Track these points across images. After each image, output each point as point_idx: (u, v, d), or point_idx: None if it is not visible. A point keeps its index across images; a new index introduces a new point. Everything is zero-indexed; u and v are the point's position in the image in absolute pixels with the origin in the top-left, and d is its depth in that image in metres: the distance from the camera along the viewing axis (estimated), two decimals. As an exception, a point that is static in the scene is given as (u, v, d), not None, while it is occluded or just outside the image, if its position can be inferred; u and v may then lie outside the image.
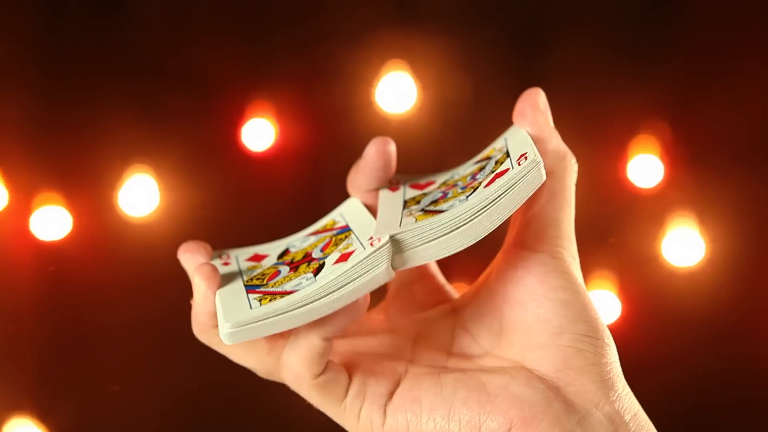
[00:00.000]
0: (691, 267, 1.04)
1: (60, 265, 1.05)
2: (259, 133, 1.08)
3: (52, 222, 1.04)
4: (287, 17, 1.11)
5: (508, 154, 0.44)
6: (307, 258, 0.46)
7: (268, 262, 0.48)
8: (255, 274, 0.46)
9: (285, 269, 0.46)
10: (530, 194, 0.42)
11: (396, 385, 0.44)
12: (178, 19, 1.10)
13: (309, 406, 0.46)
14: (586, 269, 1.04)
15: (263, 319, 0.42)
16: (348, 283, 0.42)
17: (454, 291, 0.52)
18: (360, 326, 0.50)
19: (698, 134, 1.06)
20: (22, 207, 1.04)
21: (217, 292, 0.45)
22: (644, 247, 1.05)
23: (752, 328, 1.05)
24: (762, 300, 1.05)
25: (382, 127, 1.07)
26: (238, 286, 0.45)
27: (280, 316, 0.42)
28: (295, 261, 0.46)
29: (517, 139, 0.45)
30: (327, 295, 0.42)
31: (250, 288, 0.44)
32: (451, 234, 0.42)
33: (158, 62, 1.09)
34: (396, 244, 0.42)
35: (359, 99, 1.08)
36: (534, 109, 0.46)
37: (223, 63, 1.08)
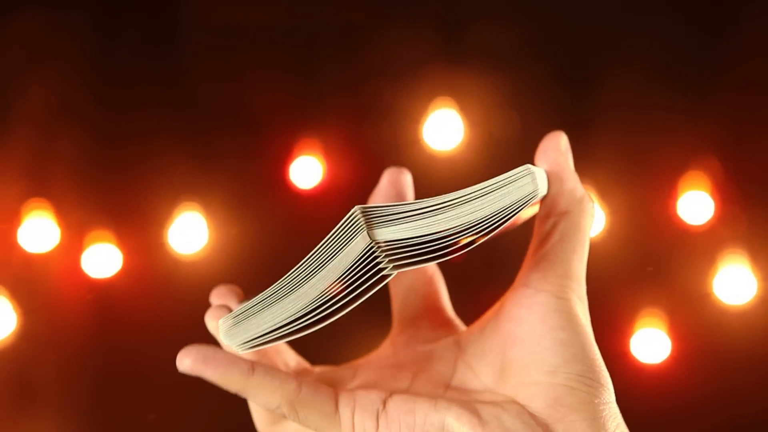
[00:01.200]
0: (742, 305, 1.02)
1: (110, 303, 1.06)
2: (306, 171, 1.08)
3: (102, 259, 1.05)
4: (335, 53, 1.12)
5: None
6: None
7: None
8: None
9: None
10: (520, 204, 0.41)
11: (389, 396, 0.44)
12: (228, 54, 1.11)
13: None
14: (636, 306, 1.03)
15: (254, 308, 0.42)
16: (327, 260, 0.42)
17: (462, 325, 0.52)
18: (369, 363, 0.50)
19: (750, 170, 1.05)
20: (73, 244, 1.06)
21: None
22: (695, 285, 1.03)
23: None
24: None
25: (429, 164, 1.08)
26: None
27: (268, 300, 0.42)
28: None
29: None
30: (308, 272, 0.42)
31: None
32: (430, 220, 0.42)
33: (208, 98, 1.10)
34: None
35: (407, 136, 1.08)
36: (555, 150, 0.46)
37: (271, 99, 1.09)
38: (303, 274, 0.42)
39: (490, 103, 1.07)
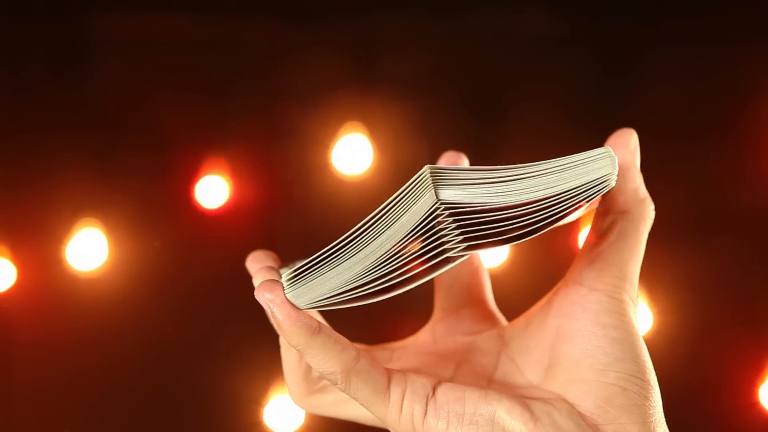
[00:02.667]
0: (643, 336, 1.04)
1: (2, 318, 1.03)
2: (212, 191, 1.07)
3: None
4: (245, 76, 1.11)
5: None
6: None
7: None
8: None
9: None
10: (598, 184, 0.39)
11: (438, 383, 0.43)
12: (134, 71, 1.09)
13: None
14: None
15: (320, 261, 0.40)
16: (395, 219, 0.40)
17: (504, 319, 0.52)
18: (405, 348, 0.50)
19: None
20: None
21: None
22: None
23: (697, 400, 1.05)
24: (707, 371, 1.05)
25: (337, 188, 1.07)
26: None
27: (333, 258, 0.40)
28: None
29: None
30: (375, 230, 0.40)
31: None
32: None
33: (114, 118, 1.08)
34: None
35: (315, 160, 1.08)
36: (624, 147, 0.46)
37: (179, 120, 1.08)
38: (370, 233, 0.40)
39: (399, 129, 1.07)
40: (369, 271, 0.40)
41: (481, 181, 0.40)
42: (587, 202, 0.40)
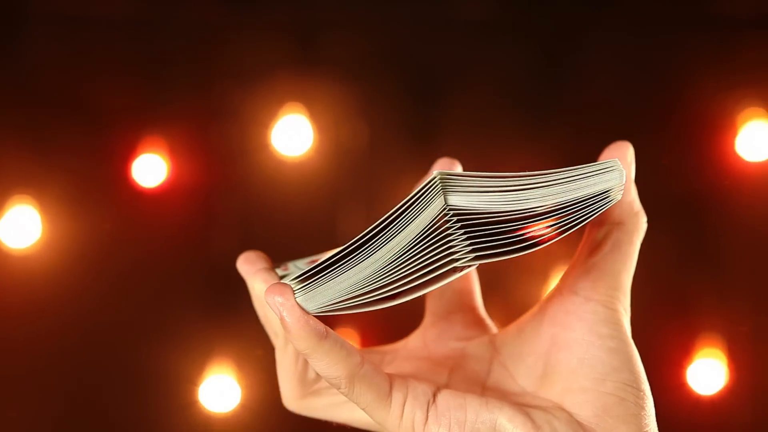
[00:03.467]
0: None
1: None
2: (150, 169, 1.06)
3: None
4: (185, 55, 1.10)
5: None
6: None
7: None
8: None
9: None
10: (605, 197, 0.40)
11: (438, 390, 0.43)
12: (73, 54, 1.08)
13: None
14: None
15: (329, 267, 0.40)
16: (404, 224, 0.40)
17: (493, 325, 0.52)
18: (396, 352, 0.50)
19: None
20: None
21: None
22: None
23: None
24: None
25: (277, 169, 1.07)
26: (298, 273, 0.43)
27: (343, 263, 0.40)
28: None
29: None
30: (385, 236, 0.40)
31: None
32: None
33: (50, 95, 1.07)
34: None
35: (255, 140, 1.07)
36: (621, 159, 0.45)
37: (117, 98, 1.06)
38: (380, 238, 0.40)
39: (340, 110, 1.07)
40: (379, 278, 0.40)
41: (490, 189, 0.40)
42: (596, 214, 0.40)
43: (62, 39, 1.08)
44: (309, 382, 0.48)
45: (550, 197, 0.40)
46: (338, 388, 0.42)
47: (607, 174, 0.40)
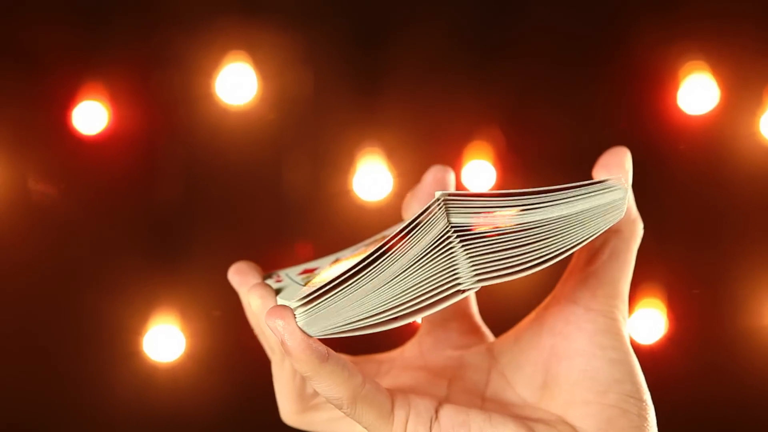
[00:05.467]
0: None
1: None
2: (90, 117, 1.04)
3: None
4: (128, 1, 1.08)
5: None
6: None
7: (321, 270, 0.46)
8: (311, 278, 0.44)
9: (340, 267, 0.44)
10: (607, 225, 0.40)
11: (440, 405, 0.42)
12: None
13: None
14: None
15: (332, 291, 0.39)
16: (409, 249, 0.39)
17: (490, 333, 0.51)
18: (393, 362, 0.49)
19: (528, 139, 1.09)
20: None
21: (278, 297, 0.42)
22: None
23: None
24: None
25: (220, 118, 1.06)
26: (296, 288, 0.43)
27: (347, 286, 0.39)
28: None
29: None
30: (389, 260, 0.39)
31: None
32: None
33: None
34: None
35: (198, 89, 1.06)
36: (619, 166, 0.45)
37: (57, 44, 1.04)
38: (384, 262, 0.39)
39: (285, 58, 1.06)
40: (383, 302, 0.40)
41: (492, 209, 0.40)
42: (597, 235, 0.40)
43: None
44: (308, 397, 0.47)
45: (554, 220, 0.40)
46: (340, 408, 0.41)
47: (611, 193, 0.40)
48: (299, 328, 0.40)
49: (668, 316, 1.05)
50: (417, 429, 0.41)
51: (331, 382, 0.40)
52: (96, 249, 1.06)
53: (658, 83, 1.07)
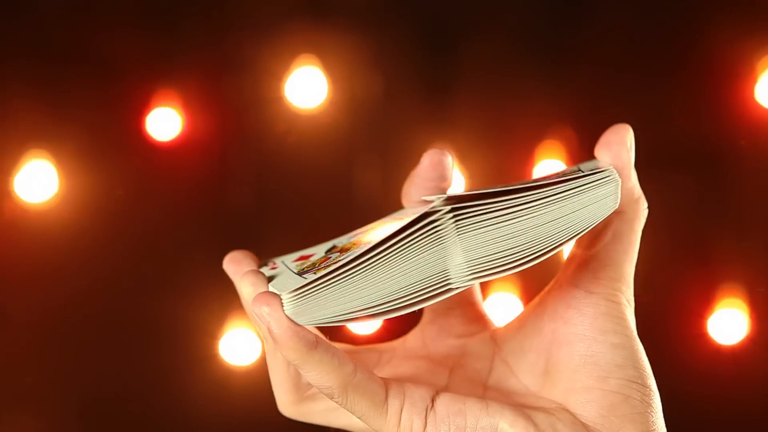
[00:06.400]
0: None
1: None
2: (164, 123, 1.05)
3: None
4: (198, 7, 1.09)
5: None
6: (357, 244, 0.44)
7: (316, 257, 0.46)
8: (306, 265, 0.44)
9: (335, 255, 0.44)
10: (598, 219, 0.40)
11: (437, 394, 0.42)
12: (86, 5, 1.07)
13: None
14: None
15: (322, 282, 0.39)
16: (411, 254, 0.39)
17: (493, 321, 0.51)
18: (394, 351, 0.49)
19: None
20: None
21: (270, 285, 0.42)
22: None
23: (647, 333, 1.07)
24: (657, 305, 1.07)
25: (291, 121, 1.07)
26: (289, 275, 0.43)
27: (339, 278, 0.39)
28: (344, 248, 0.44)
29: (589, 164, 0.44)
30: (388, 259, 0.39)
31: (303, 274, 0.42)
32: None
33: (63, 47, 1.06)
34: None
35: (268, 92, 1.07)
36: (620, 144, 0.44)
37: (130, 51, 1.06)
38: (381, 259, 0.39)
39: (354, 61, 1.07)
40: (375, 301, 0.40)
41: (494, 220, 0.40)
42: (591, 227, 0.40)
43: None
44: (303, 387, 0.47)
45: (546, 219, 0.40)
46: (331, 398, 0.41)
47: (603, 187, 0.40)
48: (286, 315, 0.39)
49: (750, 316, 1.03)
50: (412, 418, 0.41)
51: (320, 370, 0.40)
52: (171, 254, 1.07)
53: (734, 79, 1.05)
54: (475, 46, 1.08)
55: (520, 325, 0.46)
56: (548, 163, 1.06)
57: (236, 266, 0.46)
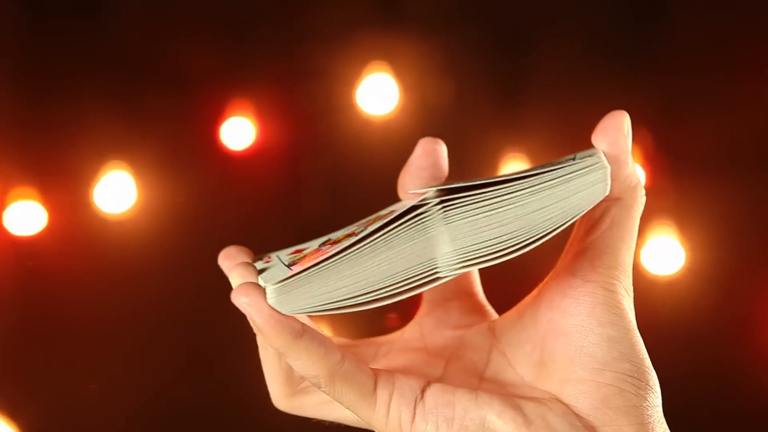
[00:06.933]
0: (670, 275, 1.04)
1: (33, 261, 1.04)
2: (238, 132, 1.07)
3: (26, 217, 1.03)
4: (269, 17, 1.10)
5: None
6: (350, 235, 0.43)
7: (309, 250, 0.46)
8: (297, 258, 0.44)
9: (327, 247, 0.43)
10: (587, 206, 0.40)
11: (427, 385, 0.42)
12: (159, 18, 1.09)
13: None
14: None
15: (308, 273, 0.39)
16: (397, 243, 0.39)
17: (494, 312, 0.50)
18: (392, 344, 0.48)
19: (679, 144, 1.06)
20: (-5, 201, 1.03)
21: (260, 277, 0.42)
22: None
23: (730, 336, 1.05)
24: (740, 308, 1.05)
25: (363, 128, 1.07)
26: (280, 267, 0.43)
27: (324, 268, 0.39)
28: (337, 240, 0.44)
29: (585, 153, 0.44)
30: (373, 247, 0.39)
31: (292, 266, 0.42)
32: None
33: (138, 60, 1.08)
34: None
35: (340, 100, 1.07)
36: (618, 130, 0.43)
37: (203, 62, 1.07)
38: (367, 249, 0.39)
39: (425, 68, 1.07)
40: (361, 291, 0.39)
41: (482, 208, 0.39)
42: (581, 215, 0.40)
43: (147, 5, 1.09)
44: (296, 380, 0.46)
45: (535, 207, 0.39)
46: (319, 387, 0.41)
47: (591, 174, 0.40)
48: (268, 305, 0.39)
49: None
50: (400, 409, 0.41)
51: (306, 358, 0.40)
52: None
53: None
54: (547, 52, 1.07)
55: (518, 315, 0.45)
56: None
57: (230, 261, 0.46)
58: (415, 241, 0.39)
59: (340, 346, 0.42)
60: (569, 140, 1.06)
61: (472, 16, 1.09)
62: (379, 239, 0.39)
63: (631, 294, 0.43)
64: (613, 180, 0.41)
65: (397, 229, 0.39)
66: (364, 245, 0.39)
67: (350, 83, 1.07)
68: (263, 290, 0.40)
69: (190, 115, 1.08)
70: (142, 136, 1.06)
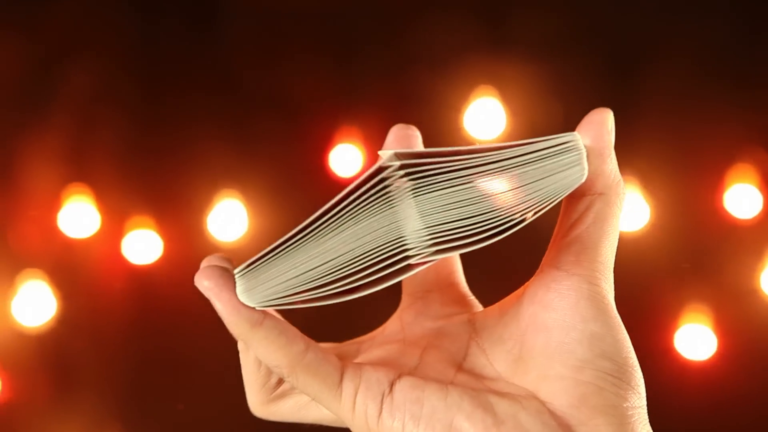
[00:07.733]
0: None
1: (149, 289, 1.06)
2: (346, 159, 1.08)
3: (143, 246, 1.06)
4: (376, 41, 1.11)
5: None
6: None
7: None
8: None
9: None
10: (566, 190, 0.38)
11: (397, 378, 0.41)
12: (268, 41, 1.11)
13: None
14: (681, 302, 1.01)
15: (274, 254, 0.38)
16: (364, 217, 0.38)
17: (478, 304, 0.49)
18: (373, 340, 0.47)
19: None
20: (114, 230, 1.06)
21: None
22: (741, 280, 1.01)
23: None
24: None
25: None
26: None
27: (290, 248, 0.38)
28: None
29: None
30: (338, 224, 0.38)
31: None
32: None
33: (248, 84, 1.10)
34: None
35: (447, 124, 1.07)
36: (602, 124, 0.42)
37: (311, 86, 1.09)
38: (332, 225, 0.38)
39: (533, 92, 1.06)
40: (329, 272, 0.38)
41: (455, 181, 0.38)
42: (559, 198, 0.39)
43: (258, 33, 1.11)
44: (271, 387, 0.45)
45: (508, 186, 0.38)
46: (282, 377, 0.40)
47: (567, 155, 0.38)
48: (229, 290, 0.38)
49: None
50: (366, 403, 0.40)
51: (266, 347, 0.39)
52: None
53: None
54: (658, 70, 1.05)
55: (500, 312, 0.44)
56: (740, 187, 1.02)
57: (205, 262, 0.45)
58: (381, 215, 0.38)
59: (324, 348, 0.42)
60: (684, 161, 1.04)
61: (579, 38, 1.08)
62: (344, 212, 0.38)
63: (612, 290, 0.42)
64: (597, 175, 0.40)
65: (361, 199, 0.38)
66: (329, 219, 0.38)
67: (457, 107, 1.07)
68: (231, 276, 0.39)
69: (298, 140, 1.09)
70: (253, 164, 1.08)
